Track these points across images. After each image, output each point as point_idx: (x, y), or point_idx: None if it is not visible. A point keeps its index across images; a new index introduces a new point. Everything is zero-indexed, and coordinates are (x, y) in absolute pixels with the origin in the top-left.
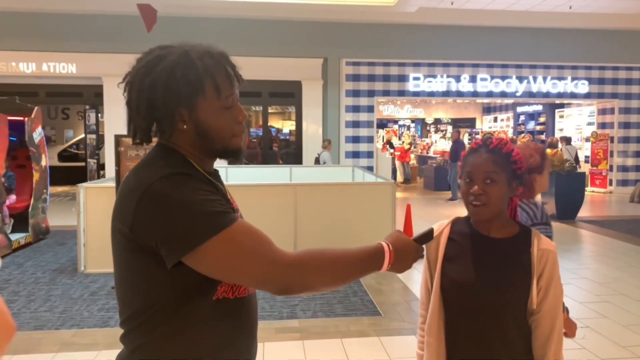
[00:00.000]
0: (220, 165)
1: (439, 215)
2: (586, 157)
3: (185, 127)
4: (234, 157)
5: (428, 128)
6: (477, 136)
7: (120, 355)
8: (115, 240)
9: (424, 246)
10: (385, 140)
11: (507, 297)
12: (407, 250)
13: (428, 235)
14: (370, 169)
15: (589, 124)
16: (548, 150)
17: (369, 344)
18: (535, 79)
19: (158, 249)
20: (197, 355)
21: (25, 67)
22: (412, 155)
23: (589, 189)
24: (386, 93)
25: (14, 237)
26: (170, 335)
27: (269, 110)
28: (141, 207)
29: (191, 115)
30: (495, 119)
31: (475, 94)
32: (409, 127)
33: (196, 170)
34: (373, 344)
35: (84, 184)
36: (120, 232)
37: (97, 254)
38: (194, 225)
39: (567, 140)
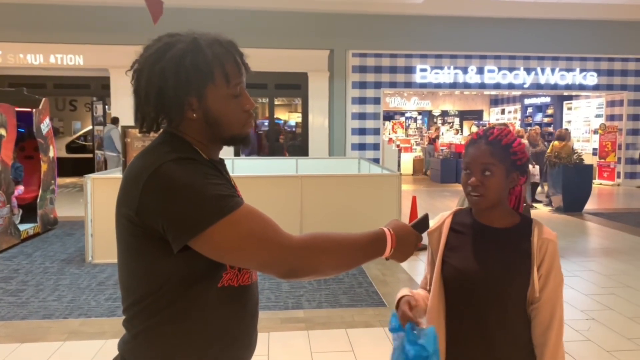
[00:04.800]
0: (227, 157)
1: (446, 207)
2: (594, 149)
3: (194, 115)
4: (242, 144)
5: (435, 120)
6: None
7: (123, 339)
8: (120, 226)
9: (423, 235)
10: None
11: (507, 285)
12: (407, 235)
13: (424, 221)
14: (376, 161)
15: (597, 116)
16: (556, 143)
17: (374, 335)
18: (543, 70)
19: (164, 233)
20: (200, 340)
21: (33, 58)
22: (418, 148)
23: (596, 181)
24: (393, 85)
25: (23, 227)
26: (174, 320)
27: (275, 102)
28: (147, 190)
29: (200, 103)
30: (503, 111)
31: (482, 85)
32: (415, 120)
33: (202, 157)
34: (377, 334)
35: (91, 175)
36: (125, 217)
37: (105, 244)
38: (201, 208)
39: None
